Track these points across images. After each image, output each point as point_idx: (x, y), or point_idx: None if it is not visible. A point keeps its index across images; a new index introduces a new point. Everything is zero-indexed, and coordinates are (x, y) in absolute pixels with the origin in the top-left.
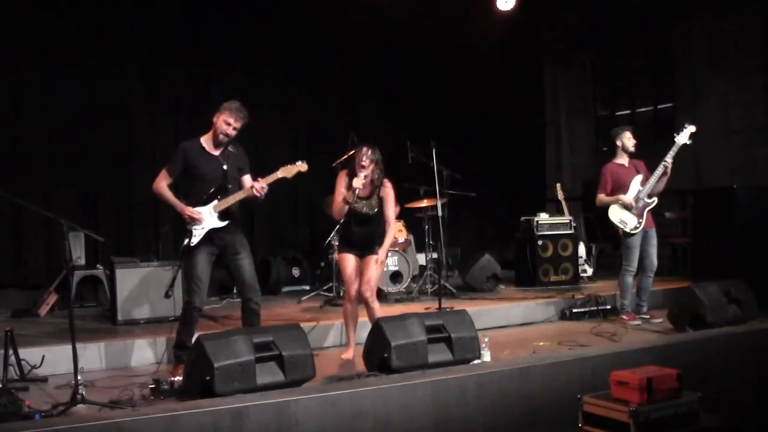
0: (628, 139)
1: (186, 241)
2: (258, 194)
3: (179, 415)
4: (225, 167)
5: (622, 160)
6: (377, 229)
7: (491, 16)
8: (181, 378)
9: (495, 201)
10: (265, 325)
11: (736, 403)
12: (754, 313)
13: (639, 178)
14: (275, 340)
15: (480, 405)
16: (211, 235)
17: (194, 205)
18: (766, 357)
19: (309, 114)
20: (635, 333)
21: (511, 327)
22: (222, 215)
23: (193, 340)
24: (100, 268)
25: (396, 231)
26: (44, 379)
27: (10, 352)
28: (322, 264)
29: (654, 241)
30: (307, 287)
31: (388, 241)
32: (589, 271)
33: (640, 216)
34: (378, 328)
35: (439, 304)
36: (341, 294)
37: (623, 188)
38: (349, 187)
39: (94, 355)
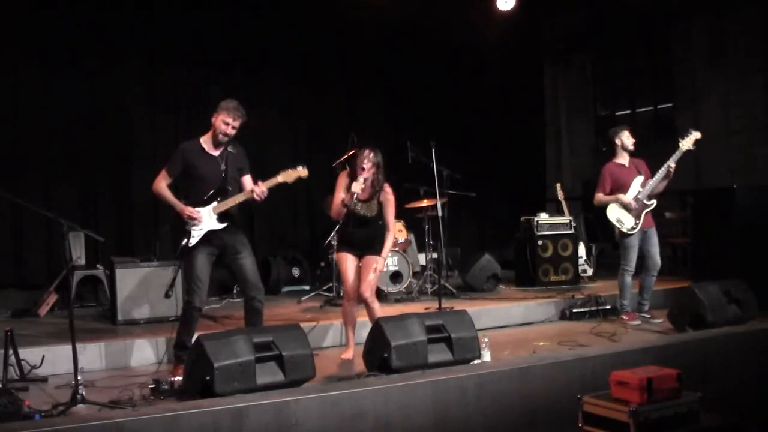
0: (627, 138)
1: (184, 241)
2: (258, 198)
3: (179, 415)
4: (224, 168)
5: (623, 159)
6: (376, 231)
7: (491, 16)
8: (181, 378)
9: (495, 201)
10: (265, 325)
11: (736, 403)
12: (754, 313)
13: (640, 179)
14: (275, 340)
15: (480, 405)
16: (210, 236)
17: (194, 206)
18: (766, 357)
19: (309, 114)
20: (635, 333)
21: (511, 327)
22: (221, 217)
23: (193, 340)
24: (100, 268)
25: (396, 231)
26: (44, 379)
27: (10, 352)
28: (322, 264)
29: (655, 240)
30: (307, 287)
31: (387, 247)
32: (589, 271)
33: (637, 217)
34: (378, 328)
35: (439, 304)
36: (341, 294)
37: (623, 188)
38: (349, 189)
39: (94, 355)
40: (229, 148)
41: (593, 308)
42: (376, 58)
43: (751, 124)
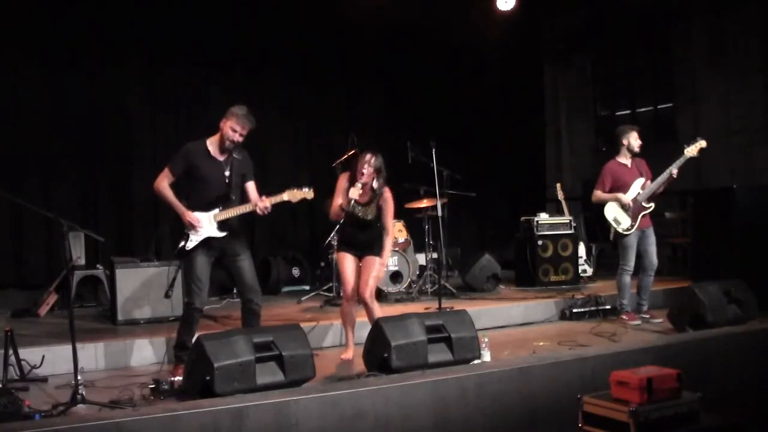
0: (635, 140)
1: (182, 243)
2: (260, 213)
3: (179, 415)
4: (229, 174)
5: (625, 159)
6: (375, 233)
7: (491, 16)
8: (181, 378)
9: (495, 201)
10: (265, 325)
11: (736, 403)
12: (754, 313)
13: (641, 181)
14: (275, 340)
15: (480, 405)
16: (209, 240)
17: (195, 209)
18: (766, 357)
19: (309, 114)
20: (635, 333)
21: (511, 327)
22: (221, 225)
23: (194, 340)
24: (100, 268)
25: (396, 231)
26: (44, 379)
27: (10, 352)
28: (322, 264)
29: (652, 240)
30: (307, 287)
31: (387, 250)
32: (589, 271)
33: (634, 218)
34: (378, 328)
35: (439, 304)
36: (341, 294)
37: (623, 188)
38: (348, 192)
39: (94, 355)
40: (234, 154)
41: (593, 308)
42: (376, 58)
43: (751, 124)
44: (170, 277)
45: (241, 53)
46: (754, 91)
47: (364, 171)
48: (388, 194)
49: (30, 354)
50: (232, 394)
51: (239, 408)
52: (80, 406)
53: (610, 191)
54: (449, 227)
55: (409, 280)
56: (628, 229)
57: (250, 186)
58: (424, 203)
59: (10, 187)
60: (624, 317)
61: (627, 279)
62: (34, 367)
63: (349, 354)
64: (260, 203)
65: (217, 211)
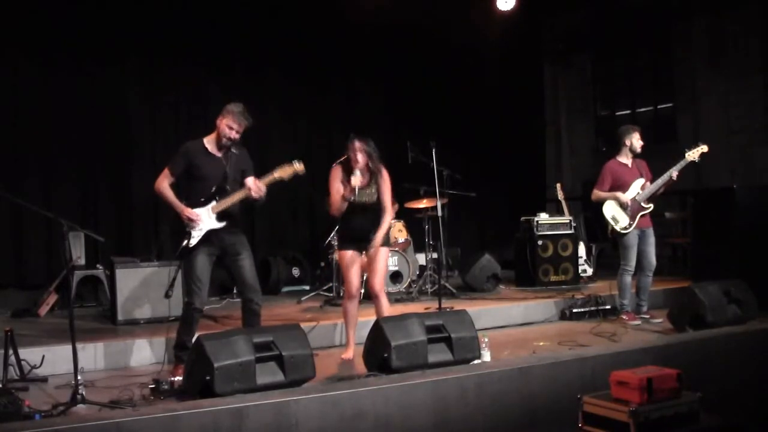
0: (636, 140)
1: (185, 242)
2: (256, 195)
3: (179, 415)
4: (227, 170)
5: (626, 159)
6: (377, 217)
7: (491, 16)
8: (181, 378)
9: (495, 201)
10: (265, 325)
11: (736, 403)
12: (754, 313)
13: (641, 181)
14: (275, 340)
15: (480, 405)
16: (210, 236)
17: (194, 206)
18: (766, 357)
19: (309, 114)
20: (635, 333)
21: (511, 327)
22: (220, 216)
23: (194, 340)
24: (100, 268)
25: (396, 231)
26: (44, 379)
27: (10, 352)
28: (322, 264)
29: (651, 240)
30: (307, 287)
31: (384, 225)
32: (589, 271)
33: (632, 218)
34: (378, 328)
35: (439, 304)
36: (341, 294)
37: (623, 187)
38: (346, 180)
39: (94, 355)
40: (233, 150)
41: (593, 308)
42: (376, 58)
43: (751, 124)
44: (170, 277)
45: (240, 53)
46: (754, 91)
47: (359, 158)
48: (385, 173)
49: (30, 354)
50: (232, 394)
51: (239, 408)
52: (80, 406)
53: (610, 190)
54: (449, 227)
55: (409, 280)
56: (625, 228)
57: (250, 182)
58: (424, 203)
59: (10, 187)
60: (624, 317)
61: (628, 279)
62: (34, 367)
63: (349, 354)
64: (253, 185)
65: (214, 203)
